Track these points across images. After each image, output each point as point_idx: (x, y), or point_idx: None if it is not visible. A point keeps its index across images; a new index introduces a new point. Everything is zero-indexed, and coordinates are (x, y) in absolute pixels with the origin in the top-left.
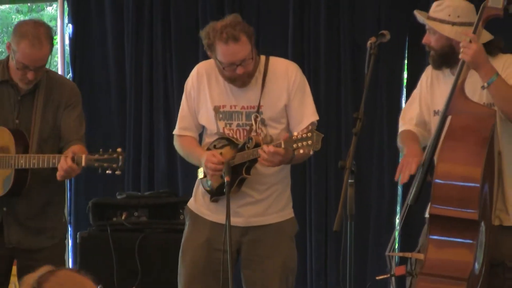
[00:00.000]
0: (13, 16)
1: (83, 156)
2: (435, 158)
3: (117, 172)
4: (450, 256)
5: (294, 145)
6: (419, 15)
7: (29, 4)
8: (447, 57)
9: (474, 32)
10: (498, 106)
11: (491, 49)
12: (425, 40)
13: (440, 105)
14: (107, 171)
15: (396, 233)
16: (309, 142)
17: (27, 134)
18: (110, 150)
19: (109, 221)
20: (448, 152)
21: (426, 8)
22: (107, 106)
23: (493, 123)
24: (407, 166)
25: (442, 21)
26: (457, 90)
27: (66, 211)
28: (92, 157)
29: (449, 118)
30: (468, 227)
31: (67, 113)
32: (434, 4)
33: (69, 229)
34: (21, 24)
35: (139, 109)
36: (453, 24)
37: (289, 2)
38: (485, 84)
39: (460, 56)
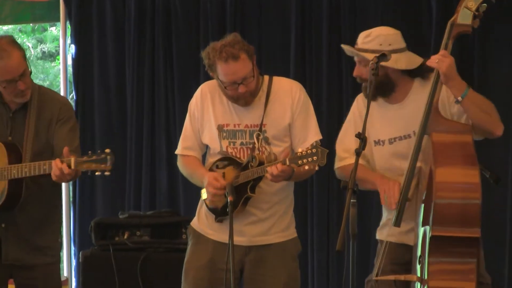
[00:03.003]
0: (17, 37)
1: (72, 159)
2: (418, 180)
3: (106, 173)
4: (455, 275)
5: (300, 161)
6: (347, 49)
7: (31, 24)
8: (383, 87)
9: (445, 48)
10: (473, 118)
11: (423, 72)
12: (356, 72)
13: (380, 134)
14: (96, 173)
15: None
16: (314, 158)
17: (20, 148)
18: (99, 151)
19: (111, 240)
20: (443, 170)
21: (424, 26)
22: (109, 125)
23: (472, 137)
24: (390, 193)
25: (374, 51)
26: (433, 110)
27: (63, 231)
28: (81, 159)
29: (426, 138)
30: (471, 245)
31: (59, 127)
32: (362, 35)
33: (72, 248)
34: None
35: (140, 128)
36: (390, 51)
37: (290, 21)
38: (459, 98)
39: (436, 66)
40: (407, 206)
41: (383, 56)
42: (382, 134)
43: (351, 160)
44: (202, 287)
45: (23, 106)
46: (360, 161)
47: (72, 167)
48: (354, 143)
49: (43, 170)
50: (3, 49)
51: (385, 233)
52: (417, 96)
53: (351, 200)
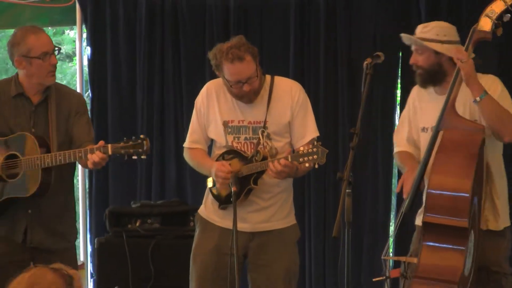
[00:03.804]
0: None
1: (109, 146)
2: (429, 170)
3: (143, 156)
4: (442, 261)
5: (301, 159)
6: (406, 37)
7: (50, 28)
8: (435, 75)
9: (466, 51)
10: (487, 121)
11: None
12: (412, 60)
13: (426, 122)
14: (133, 157)
15: (391, 239)
16: (315, 156)
17: (47, 140)
18: (133, 137)
19: (124, 227)
20: (441, 165)
21: (414, 29)
22: (121, 120)
23: (482, 138)
24: (404, 184)
25: (431, 40)
26: (449, 107)
27: (80, 220)
28: (118, 145)
29: (441, 133)
30: (459, 234)
31: (77, 119)
32: (420, 26)
33: (88, 235)
34: (14, 35)
35: (150, 124)
36: (442, 42)
37: (290, 25)
38: (477, 99)
39: (459, 64)
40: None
41: (376, 57)
42: (428, 122)
43: (403, 148)
44: (209, 271)
45: (44, 100)
46: (410, 148)
47: (110, 153)
48: (406, 132)
49: (79, 158)
50: (36, 27)
51: (418, 219)
52: (464, 89)
53: (347, 190)
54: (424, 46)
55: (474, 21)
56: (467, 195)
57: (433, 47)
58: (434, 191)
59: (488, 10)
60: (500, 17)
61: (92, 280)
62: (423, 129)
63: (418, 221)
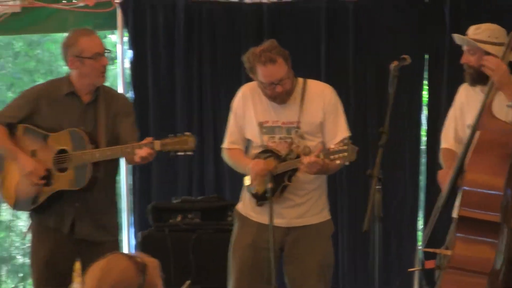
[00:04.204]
0: None
1: (156, 142)
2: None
3: (189, 153)
4: (474, 253)
5: (332, 157)
6: (459, 38)
7: None
8: (485, 74)
9: (503, 58)
10: None
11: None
12: (464, 59)
13: (471, 119)
14: (178, 153)
15: (423, 232)
16: (345, 154)
17: (96, 137)
18: (178, 133)
19: (166, 222)
20: (476, 164)
21: (439, 34)
22: (162, 121)
23: None
24: (444, 179)
25: (483, 41)
26: (486, 109)
27: (124, 215)
28: (165, 141)
29: (477, 133)
30: (491, 228)
31: (124, 119)
32: (473, 28)
33: (132, 229)
34: (68, 37)
35: (190, 124)
36: (494, 44)
37: (320, 29)
38: (510, 103)
39: (487, 72)
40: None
41: (403, 59)
42: (472, 119)
43: (449, 145)
44: (247, 265)
45: (93, 100)
46: (456, 145)
47: (158, 149)
48: (453, 129)
49: (127, 153)
50: (89, 29)
51: (456, 212)
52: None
53: (376, 187)
54: (477, 47)
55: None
56: (500, 193)
57: (486, 49)
58: (468, 188)
59: None
60: None
61: None
62: (469, 126)
63: (454, 214)
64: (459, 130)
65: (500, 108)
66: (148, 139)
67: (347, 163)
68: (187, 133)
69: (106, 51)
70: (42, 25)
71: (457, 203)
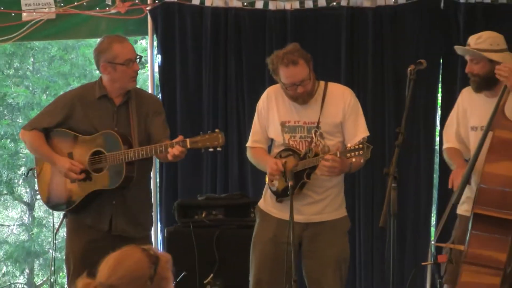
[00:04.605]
0: None
1: (188, 140)
2: (477, 167)
3: (219, 149)
4: (489, 249)
5: (348, 155)
6: (461, 49)
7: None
8: (490, 81)
9: None
10: None
11: None
12: (468, 69)
13: (476, 122)
14: (210, 149)
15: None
16: (361, 152)
17: (129, 137)
18: (209, 131)
19: (191, 218)
20: (492, 163)
21: (453, 38)
22: (189, 122)
23: None
24: (455, 178)
25: (487, 50)
26: (499, 111)
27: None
28: (195, 139)
29: (490, 133)
30: (505, 225)
31: (155, 119)
32: (474, 37)
33: (159, 225)
34: (101, 43)
35: (215, 124)
36: (496, 51)
37: (341, 34)
38: None
39: (501, 79)
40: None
41: (419, 63)
42: (478, 122)
43: (452, 145)
44: (267, 258)
45: (125, 102)
46: (458, 145)
47: (188, 147)
48: (455, 130)
49: (160, 152)
50: (121, 37)
51: (462, 208)
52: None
53: (392, 185)
54: (480, 56)
55: (508, 30)
56: None
57: (490, 57)
58: (485, 186)
59: None
60: None
61: None
62: (473, 128)
63: (460, 210)
64: (461, 131)
65: (510, 110)
66: (179, 138)
67: (362, 161)
68: (217, 130)
69: (137, 57)
70: (76, 31)
71: (461, 200)
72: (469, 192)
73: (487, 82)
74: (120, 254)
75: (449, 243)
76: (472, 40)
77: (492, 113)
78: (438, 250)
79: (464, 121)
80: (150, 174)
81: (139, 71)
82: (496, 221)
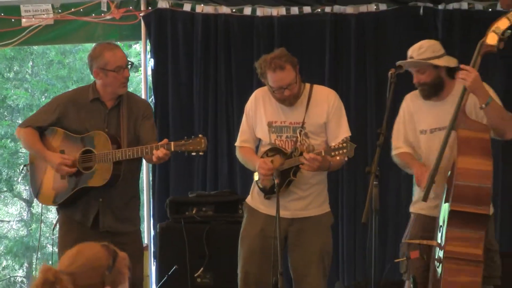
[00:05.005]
0: None
1: (172, 143)
2: (443, 165)
3: (201, 153)
4: (466, 243)
5: (333, 153)
6: (408, 63)
7: (119, 42)
8: (437, 86)
9: (473, 65)
10: (492, 123)
11: (452, 73)
12: (416, 79)
13: (424, 125)
14: (192, 153)
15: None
16: (344, 150)
17: (119, 138)
18: (193, 136)
19: (182, 214)
20: (463, 161)
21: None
22: (180, 123)
23: (489, 135)
24: (421, 177)
25: (430, 58)
26: (461, 111)
27: (144, 207)
28: (179, 143)
29: (453, 133)
30: (480, 220)
31: (145, 122)
32: (415, 49)
33: (152, 221)
34: (93, 50)
35: (206, 125)
36: (439, 57)
37: (325, 39)
38: (483, 105)
39: (461, 81)
40: (434, 186)
41: (399, 67)
42: (426, 125)
43: (404, 149)
44: (255, 252)
45: (116, 105)
46: (408, 149)
47: (172, 150)
48: (403, 136)
49: (145, 153)
50: (111, 43)
51: (416, 207)
52: (457, 96)
53: (374, 182)
54: (427, 65)
55: (484, 34)
56: (489, 185)
57: (436, 63)
58: (460, 183)
59: (494, 26)
60: (504, 32)
61: (154, 260)
62: (422, 132)
63: (413, 209)
64: (409, 135)
65: (470, 110)
66: (164, 141)
67: (346, 159)
68: (200, 135)
69: (128, 64)
70: (73, 36)
71: (414, 199)
72: (421, 192)
73: (435, 89)
74: (80, 246)
75: (405, 240)
76: (414, 52)
77: (454, 114)
78: (415, 246)
79: (411, 125)
80: (139, 174)
81: (134, 74)
82: (471, 216)
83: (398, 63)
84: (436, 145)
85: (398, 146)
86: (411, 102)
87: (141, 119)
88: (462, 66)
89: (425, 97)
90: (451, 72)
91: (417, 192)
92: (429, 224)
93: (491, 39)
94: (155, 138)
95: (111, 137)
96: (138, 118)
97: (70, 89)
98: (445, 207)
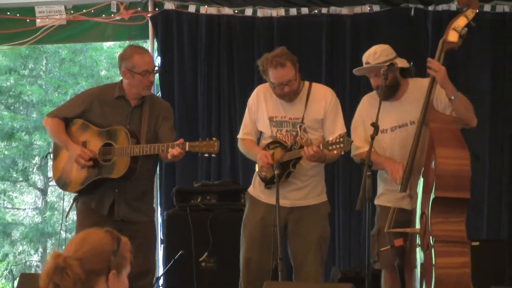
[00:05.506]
0: (117, 51)
1: (187, 144)
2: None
3: (213, 155)
4: (451, 227)
5: (330, 147)
6: (365, 69)
7: (128, 41)
8: (394, 87)
9: (438, 61)
10: (459, 114)
11: (405, 73)
12: (375, 83)
13: (384, 125)
14: (205, 155)
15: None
16: (341, 145)
17: (138, 135)
18: (207, 138)
19: (188, 203)
20: (441, 152)
21: (422, 44)
22: (186, 119)
23: (458, 126)
24: (395, 172)
25: (386, 61)
26: (430, 105)
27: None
28: (194, 144)
29: (424, 128)
30: (462, 204)
31: (164, 122)
32: (370, 54)
33: (159, 208)
34: (124, 51)
35: (209, 121)
36: (393, 59)
37: (322, 39)
38: (452, 97)
39: (433, 73)
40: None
41: (392, 65)
42: (386, 124)
43: (364, 149)
44: (256, 239)
45: (139, 105)
46: (367, 147)
47: (187, 149)
48: (363, 135)
49: (161, 151)
50: (141, 47)
51: (382, 199)
52: (411, 95)
53: (367, 173)
54: (379, 71)
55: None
56: (467, 171)
57: (398, 64)
58: (441, 172)
59: (454, 24)
60: (462, 30)
61: (162, 245)
62: (383, 131)
63: (378, 201)
64: (367, 134)
65: (437, 104)
66: (180, 141)
67: (342, 152)
68: (214, 138)
69: (155, 68)
70: (85, 35)
71: (379, 192)
72: (387, 185)
73: (393, 89)
74: (85, 232)
75: (375, 231)
76: (370, 57)
77: (424, 109)
78: (399, 234)
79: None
80: (155, 170)
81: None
82: (454, 201)
83: (358, 69)
84: (398, 142)
85: (359, 147)
86: (368, 104)
87: (161, 119)
88: (428, 59)
89: (384, 98)
90: (404, 72)
91: (382, 186)
92: (397, 215)
93: (452, 36)
94: (173, 139)
95: (132, 133)
96: (158, 119)
97: (80, 85)
98: (422, 197)
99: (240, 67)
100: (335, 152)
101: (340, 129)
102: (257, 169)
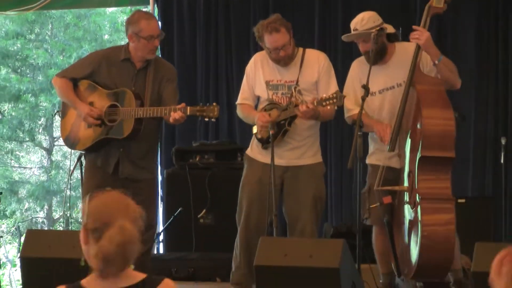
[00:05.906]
0: (118, 16)
1: (188, 108)
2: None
3: (213, 120)
4: (437, 184)
5: (324, 103)
6: (353, 36)
7: (129, 7)
8: (383, 52)
9: (424, 25)
10: (444, 77)
11: (391, 38)
12: (364, 48)
13: (374, 88)
14: (205, 119)
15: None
16: (334, 100)
17: (142, 97)
18: (208, 103)
19: (187, 162)
20: (427, 112)
21: (412, 11)
22: (185, 82)
23: (444, 87)
24: (383, 133)
25: (374, 27)
26: (417, 69)
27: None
28: (195, 108)
29: (412, 89)
30: (447, 163)
31: (168, 85)
32: (358, 21)
33: (159, 167)
34: (132, 16)
35: (207, 85)
36: (380, 25)
37: (314, 7)
38: (436, 61)
39: (415, 41)
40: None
41: (382, 29)
42: (374, 87)
43: (356, 111)
44: (254, 197)
45: (144, 67)
46: (357, 109)
47: (188, 113)
48: (353, 98)
49: (164, 114)
50: (149, 13)
51: (373, 158)
52: (398, 58)
53: (359, 132)
54: (369, 37)
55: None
56: (452, 131)
57: (386, 29)
58: (427, 132)
59: None
60: None
61: (162, 202)
62: (372, 93)
63: (370, 160)
64: (358, 98)
65: (423, 67)
66: (182, 105)
67: (335, 107)
68: (214, 103)
69: (160, 34)
70: (88, 1)
71: (370, 151)
72: (377, 145)
73: (381, 54)
74: (101, 194)
75: (365, 189)
76: (357, 24)
77: (411, 71)
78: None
79: (360, 89)
80: (158, 131)
81: None
82: (439, 160)
83: (346, 36)
84: (386, 103)
85: (351, 109)
86: (358, 68)
87: (165, 82)
88: (414, 27)
89: (373, 62)
90: (390, 37)
91: (372, 145)
92: (386, 173)
93: (438, 1)
94: (176, 101)
95: (136, 96)
96: (162, 81)
97: (84, 49)
98: (410, 157)
99: (237, 34)
100: (328, 107)
101: (333, 88)
102: (254, 131)
